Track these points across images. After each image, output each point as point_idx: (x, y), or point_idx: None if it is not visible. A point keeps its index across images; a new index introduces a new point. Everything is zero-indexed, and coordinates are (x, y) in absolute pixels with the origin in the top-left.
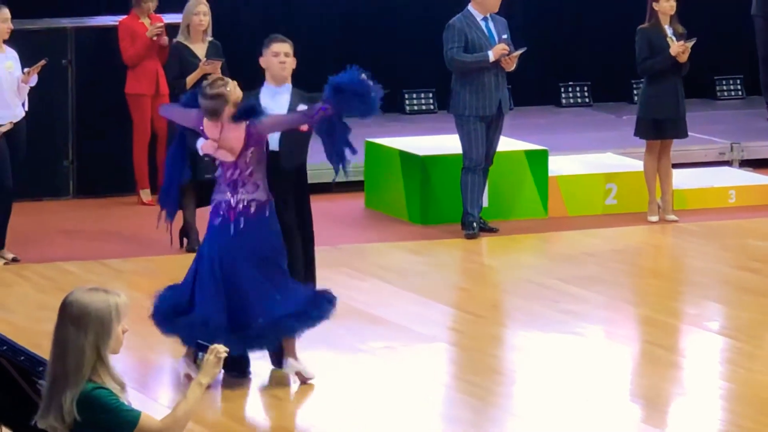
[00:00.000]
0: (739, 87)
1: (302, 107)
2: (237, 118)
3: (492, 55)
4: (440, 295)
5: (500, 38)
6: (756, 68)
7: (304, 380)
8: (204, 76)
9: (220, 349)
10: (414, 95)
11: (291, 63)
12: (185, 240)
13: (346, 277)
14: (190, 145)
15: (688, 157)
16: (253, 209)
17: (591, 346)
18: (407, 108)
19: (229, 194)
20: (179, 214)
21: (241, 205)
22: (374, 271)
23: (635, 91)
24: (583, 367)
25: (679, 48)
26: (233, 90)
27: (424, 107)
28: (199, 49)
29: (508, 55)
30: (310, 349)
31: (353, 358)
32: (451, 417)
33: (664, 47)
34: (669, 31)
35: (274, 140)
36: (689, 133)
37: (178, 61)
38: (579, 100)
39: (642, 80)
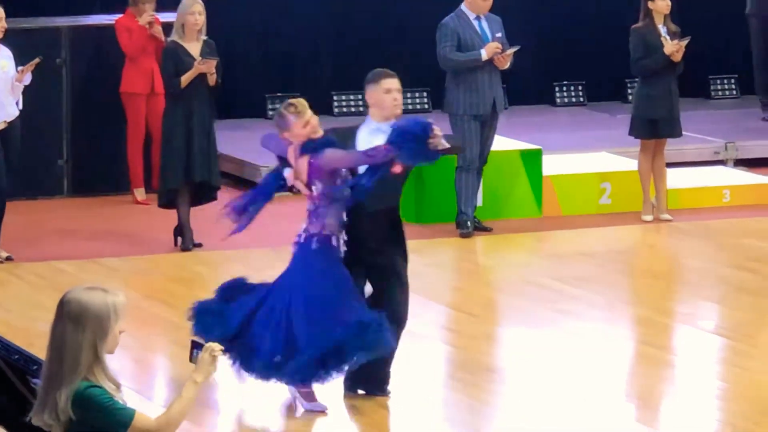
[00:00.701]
0: (733, 86)
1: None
2: (302, 150)
3: (485, 54)
4: (435, 294)
5: (494, 37)
6: (750, 68)
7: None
8: (199, 75)
9: (215, 348)
10: (408, 94)
11: (401, 99)
12: (179, 239)
13: None
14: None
15: (683, 156)
16: (302, 240)
17: (586, 346)
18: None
19: (302, 226)
20: (173, 213)
21: (298, 237)
22: None
23: (629, 91)
24: (577, 366)
25: (673, 47)
26: (303, 122)
27: (418, 106)
28: (194, 48)
29: (501, 53)
30: None
31: None
32: (446, 416)
33: (658, 46)
34: (663, 30)
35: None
36: (684, 133)
37: (173, 60)
38: (573, 100)
39: (636, 79)
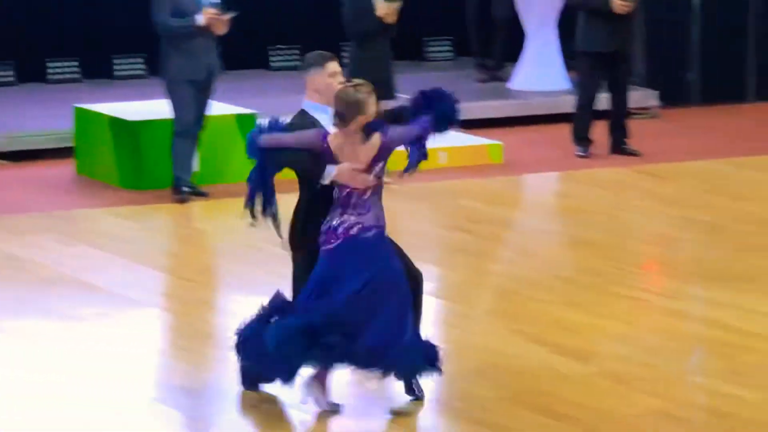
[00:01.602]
0: (448, 48)
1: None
2: (368, 130)
3: (201, 19)
4: (151, 260)
5: (210, 2)
6: (465, 30)
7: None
8: None
9: None
10: (123, 60)
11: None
12: None
13: (56, 243)
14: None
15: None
16: (356, 231)
17: None
18: (115, 73)
19: (343, 220)
20: None
21: (345, 229)
22: (85, 237)
23: (344, 54)
24: None
25: (385, 9)
26: (374, 100)
27: (133, 72)
28: None
29: (217, 18)
30: (20, 317)
31: (64, 325)
32: (166, 383)
33: (371, 9)
34: None
35: None
36: (398, 95)
37: None
38: (289, 64)
39: (351, 43)
